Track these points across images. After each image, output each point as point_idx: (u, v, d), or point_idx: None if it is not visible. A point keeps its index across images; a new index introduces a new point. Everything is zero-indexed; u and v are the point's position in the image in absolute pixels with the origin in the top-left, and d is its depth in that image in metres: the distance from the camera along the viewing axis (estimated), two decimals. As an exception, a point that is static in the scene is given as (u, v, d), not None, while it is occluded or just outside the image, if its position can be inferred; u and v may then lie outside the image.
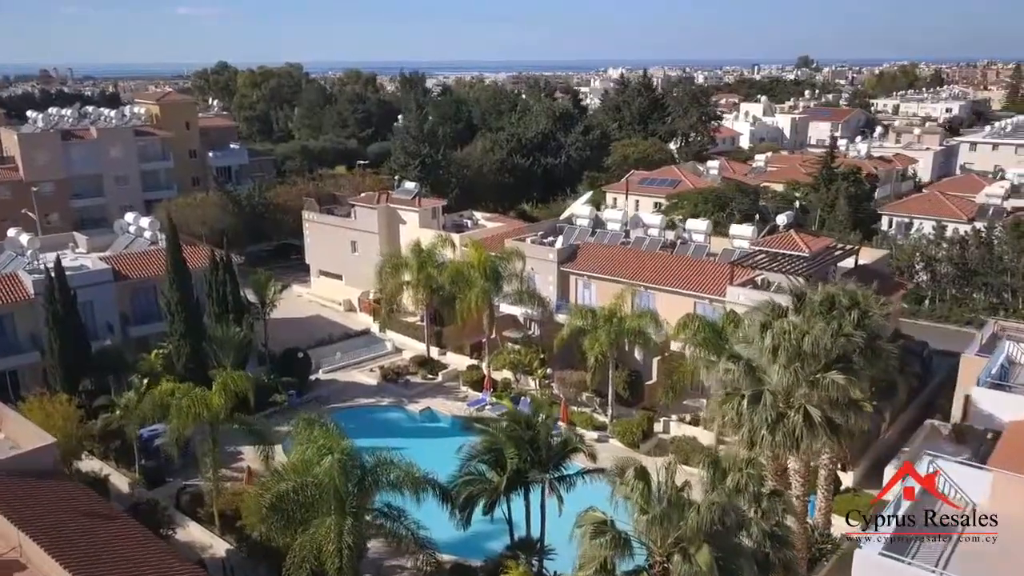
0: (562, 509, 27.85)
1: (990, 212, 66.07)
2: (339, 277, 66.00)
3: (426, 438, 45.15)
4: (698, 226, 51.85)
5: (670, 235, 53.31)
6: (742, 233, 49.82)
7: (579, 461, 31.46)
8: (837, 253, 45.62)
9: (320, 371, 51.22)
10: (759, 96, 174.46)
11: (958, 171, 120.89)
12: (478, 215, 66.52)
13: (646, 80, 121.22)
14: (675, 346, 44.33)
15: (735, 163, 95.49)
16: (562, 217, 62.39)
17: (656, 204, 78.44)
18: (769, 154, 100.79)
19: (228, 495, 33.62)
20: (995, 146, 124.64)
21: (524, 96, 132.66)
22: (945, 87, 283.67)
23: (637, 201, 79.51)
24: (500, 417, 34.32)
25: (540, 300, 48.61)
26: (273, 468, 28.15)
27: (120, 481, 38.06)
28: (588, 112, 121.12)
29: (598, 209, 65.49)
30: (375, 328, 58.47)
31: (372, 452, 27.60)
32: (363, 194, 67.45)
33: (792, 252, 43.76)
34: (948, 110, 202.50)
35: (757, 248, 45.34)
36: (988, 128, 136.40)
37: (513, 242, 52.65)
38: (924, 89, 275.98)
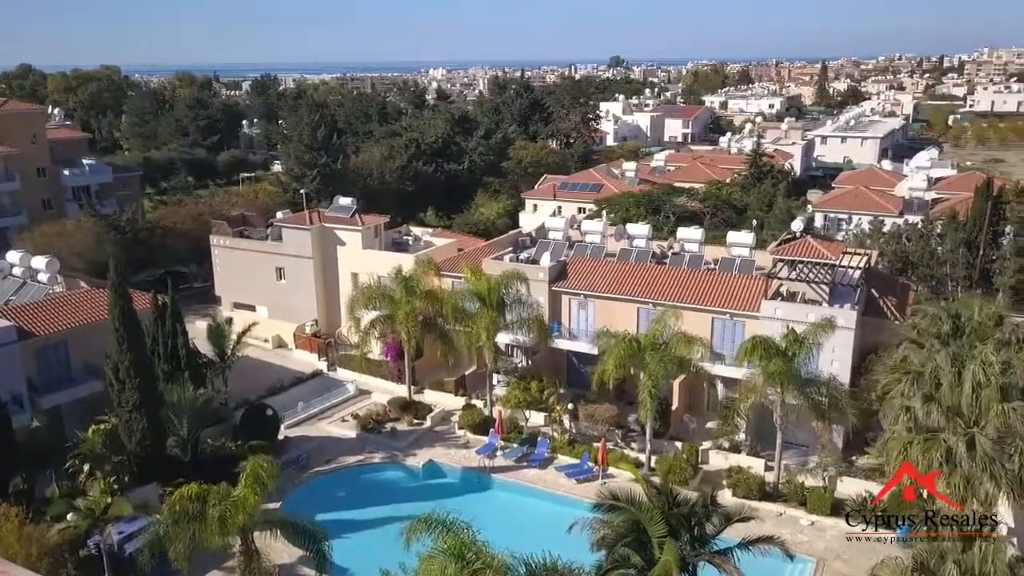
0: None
1: (915, 205, 67.78)
2: (252, 308, 57.24)
3: (434, 499, 38.66)
4: (691, 235, 48.46)
5: (655, 246, 49.65)
6: (741, 241, 46.97)
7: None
8: (856, 259, 43.66)
9: (282, 426, 43.16)
10: (617, 95, 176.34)
11: (814, 164, 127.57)
12: (416, 230, 59.90)
13: (525, 81, 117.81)
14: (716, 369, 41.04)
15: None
16: (525, 230, 57.18)
17: (580, 209, 74.99)
18: (667, 153, 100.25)
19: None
20: (844, 139, 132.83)
21: (393, 99, 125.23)
22: (755, 85, 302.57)
23: (560, 207, 75.60)
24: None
25: (542, 326, 43.42)
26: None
27: (93, 609, 29.14)
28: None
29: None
30: (323, 367, 50.80)
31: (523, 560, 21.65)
32: (280, 213, 58.95)
33: (819, 260, 41.29)
34: (771, 106, 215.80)
35: (777, 257, 42.49)
36: (830, 122, 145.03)
37: (491, 261, 47.08)
38: (736, 87, 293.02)
